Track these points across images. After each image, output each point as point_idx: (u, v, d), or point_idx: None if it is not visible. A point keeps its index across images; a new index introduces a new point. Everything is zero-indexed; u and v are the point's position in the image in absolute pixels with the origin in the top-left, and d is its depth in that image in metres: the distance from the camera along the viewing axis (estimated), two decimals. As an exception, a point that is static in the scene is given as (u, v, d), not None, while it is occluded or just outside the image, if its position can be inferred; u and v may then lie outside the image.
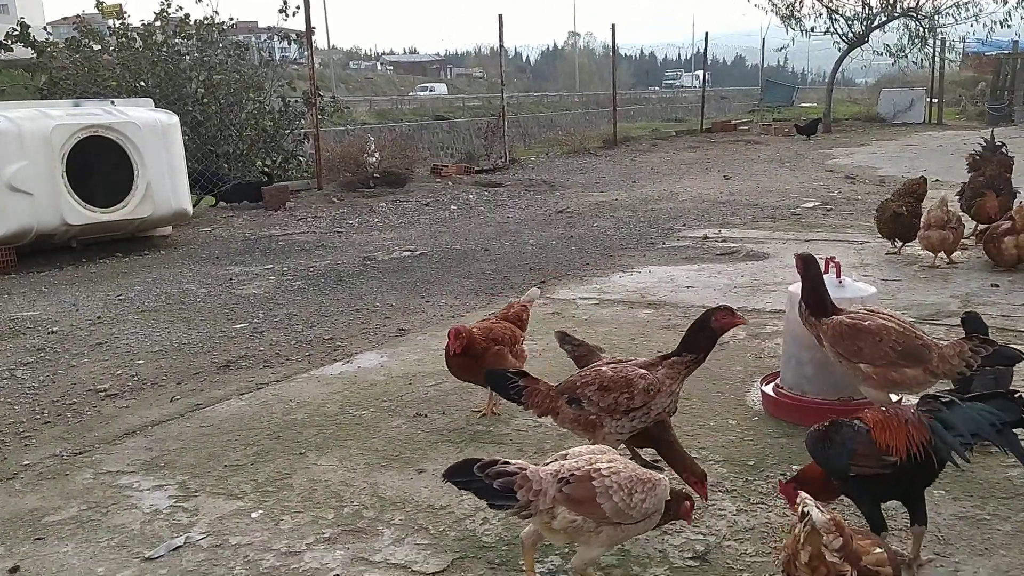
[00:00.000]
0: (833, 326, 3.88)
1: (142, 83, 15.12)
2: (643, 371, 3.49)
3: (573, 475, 2.79)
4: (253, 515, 3.60)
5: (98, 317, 7.13)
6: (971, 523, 3.23)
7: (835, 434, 2.96)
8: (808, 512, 2.32)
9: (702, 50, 32.94)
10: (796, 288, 4.49)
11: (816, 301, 4.00)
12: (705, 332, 3.53)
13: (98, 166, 9.78)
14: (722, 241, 9.42)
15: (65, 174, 9.36)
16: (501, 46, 19.28)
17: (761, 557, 3.10)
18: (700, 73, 39.80)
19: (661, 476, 2.90)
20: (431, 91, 68.78)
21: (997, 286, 6.88)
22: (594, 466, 2.82)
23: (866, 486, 2.94)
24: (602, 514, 2.75)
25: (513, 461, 2.82)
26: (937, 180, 12.36)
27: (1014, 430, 2.71)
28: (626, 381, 3.44)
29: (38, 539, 3.48)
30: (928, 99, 32.22)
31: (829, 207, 11.64)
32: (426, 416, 4.62)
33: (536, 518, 2.81)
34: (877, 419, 2.94)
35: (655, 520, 2.91)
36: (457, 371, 4.51)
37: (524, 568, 3.00)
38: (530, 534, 2.92)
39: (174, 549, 3.32)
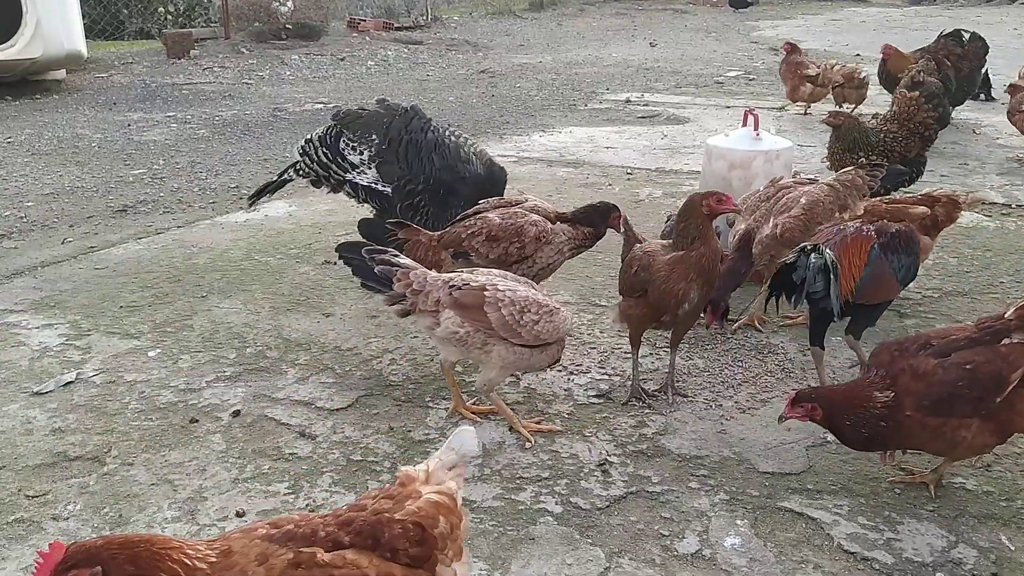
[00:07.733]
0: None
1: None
2: (536, 217, 3.30)
3: (467, 284, 2.78)
4: (150, 354, 3.47)
5: (-17, 159, 6.66)
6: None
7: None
8: None
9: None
10: (714, 140, 4.46)
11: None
12: (604, 222, 3.39)
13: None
14: (644, 105, 9.29)
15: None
16: None
17: (661, 396, 3.15)
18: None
19: (564, 309, 2.84)
20: None
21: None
22: (492, 281, 2.80)
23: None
24: (488, 324, 2.72)
25: (407, 260, 2.85)
26: (858, 55, 12.42)
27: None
28: (516, 229, 3.25)
29: (-84, 375, 3.29)
30: (855, -24, 31.95)
31: (751, 77, 11.57)
32: (334, 264, 4.47)
33: (420, 320, 2.84)
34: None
35: (554, 354, 2.87)
36: None
37: (449, 387, 3.04)
38: (447, 359, 2.93)
39: (64, 384, 3.19)
